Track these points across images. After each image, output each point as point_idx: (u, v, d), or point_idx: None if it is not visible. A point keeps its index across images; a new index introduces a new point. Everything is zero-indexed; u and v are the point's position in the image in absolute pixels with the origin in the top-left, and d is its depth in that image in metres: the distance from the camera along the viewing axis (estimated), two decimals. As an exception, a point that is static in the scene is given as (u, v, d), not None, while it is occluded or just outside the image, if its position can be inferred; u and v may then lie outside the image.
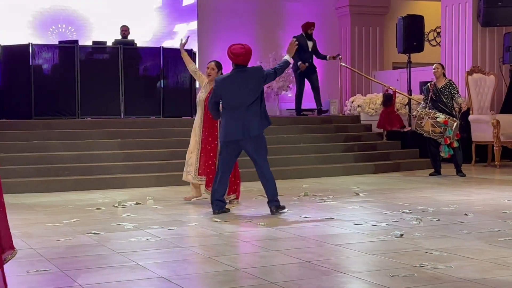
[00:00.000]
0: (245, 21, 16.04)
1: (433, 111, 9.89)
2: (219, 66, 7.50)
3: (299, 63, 12.43)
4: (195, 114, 7.74)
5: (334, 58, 13.21)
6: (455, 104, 10.01)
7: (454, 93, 9.94)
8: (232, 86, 6.66)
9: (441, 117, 9.73)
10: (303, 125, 12.03)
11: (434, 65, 10.21)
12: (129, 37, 13.06)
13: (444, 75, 10.16)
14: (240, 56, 6.71)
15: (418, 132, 10.07)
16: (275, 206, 6.73)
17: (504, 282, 3.99)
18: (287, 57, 6.93)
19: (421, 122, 9.86)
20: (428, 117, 9.79)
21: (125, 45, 11.98)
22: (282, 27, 16.44)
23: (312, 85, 12.92)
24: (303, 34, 12.74)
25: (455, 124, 9.72)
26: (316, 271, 4.36)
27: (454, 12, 12.90)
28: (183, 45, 7.71)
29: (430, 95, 10.01)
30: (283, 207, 6.79)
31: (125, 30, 13.18)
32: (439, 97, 9.93)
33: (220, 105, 6.82)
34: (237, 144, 6.71)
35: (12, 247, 3.79)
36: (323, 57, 13.11)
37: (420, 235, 5.48)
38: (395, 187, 8.97)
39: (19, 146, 9.63)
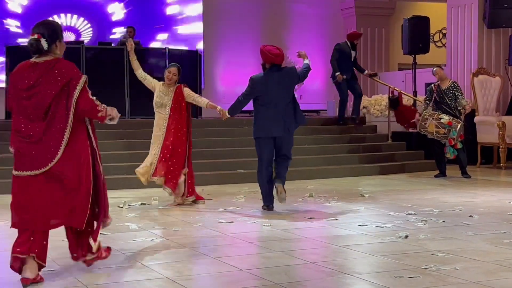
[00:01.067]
0: (250, 22, 16.05)
1: (437, 112, 9.86)
2: (180, 71, 7.54)
3: (337, 74, 11.55)
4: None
5: (371, 75, 12.52)
6: (458, 105, 9.97)
7: (458, 94, 9.89)
8: (272, 85, 6.93)
9: (445, 118, 9.70)
10: (308, 126, 11.99)
11: (434, 69, 10.08)
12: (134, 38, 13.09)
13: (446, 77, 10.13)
14: (278, 56, 7.01)
15: (422, 133, 10.03)
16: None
17: (510, 284, 3.98)
18: (307, 61, 7.23)
19: (425, 123, 9.83)
20: (432, 118, 9.76)
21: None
22: (287, 28, 16.45)
23: (356, 94, 11.99)
24: (347, 43, 11.81)
25: (459, 125, 9.68)
26: (321, 272, 4.35)
27: (459, 14, 12.88)
28: (132, 49, 7.58)
29: (433, 97, 9.98)
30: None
31: (130, 32, 13.21)
32: (443, 99, 9.90)
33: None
34: (274, 139, 7.00)
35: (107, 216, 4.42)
36: (361, 70, 12.29)
37: (425, 236, 5.47)
38: (400, 188, 8.96)
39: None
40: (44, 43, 4.06)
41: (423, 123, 9.88)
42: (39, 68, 4.07)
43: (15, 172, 4.11)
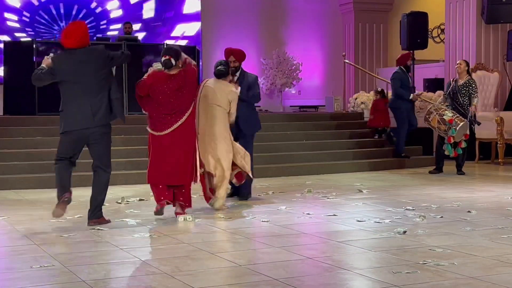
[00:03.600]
0: (249, 18, 16.03)
1: (443, 107, 9.69)
2: None
3: (412, 95, 10.81)
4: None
5: (417, 96, 11.20)
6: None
7: (471, 92, 9.71)
8: None
9: (448, 115, 9.47)
10: (306, 122, 12.02)
11: (459, 61, 10.06)
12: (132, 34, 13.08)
13: (468, 73, 9.90)
14: None
15: (427, 125, 9.96)
16: None
17: (507, 279, 3.99)
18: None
19: (429, 117, 9.70)
20: (437, 113, 9.60)
21: (128, 42, 11.98)
22: (285, 24, 16.43)
23: (412, 122, 11.11)
24: (402, 68, 10.98)
25: (461, 124, 9.39)
26: (319, 267, 4.36)
27: (458, 9, 12.87)
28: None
29: (449, 91, 9.87)
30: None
31: (128, 27, 13.18)
32: (456, 95, 9.76)
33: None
34: None
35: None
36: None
37: (423, 232, 5.47)
38: (398, 184, 8.96)
39: (23, 142, 9.64)
40: (173, 61, 6.16)
41: (427, 116, 9.74)
42: (178, 77, 6.21)
43: (153, 133, 6.35)
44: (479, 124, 10.05)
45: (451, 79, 10.04)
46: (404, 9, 15.21)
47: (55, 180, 5.95)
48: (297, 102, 16.05)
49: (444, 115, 9.49)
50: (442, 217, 6.19)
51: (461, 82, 9.79)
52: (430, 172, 10.05)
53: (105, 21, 14.78)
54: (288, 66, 15.74)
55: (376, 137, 11.86)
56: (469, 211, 6.47)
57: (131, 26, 13.32)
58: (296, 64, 15.81)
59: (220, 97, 6.83)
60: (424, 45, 12.88)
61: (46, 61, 6.09)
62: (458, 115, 9.54)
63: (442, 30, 15.74)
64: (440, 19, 15.06)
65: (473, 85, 9.78)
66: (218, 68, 6.97)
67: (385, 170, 10.65)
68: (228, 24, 15.70)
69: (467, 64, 10.00)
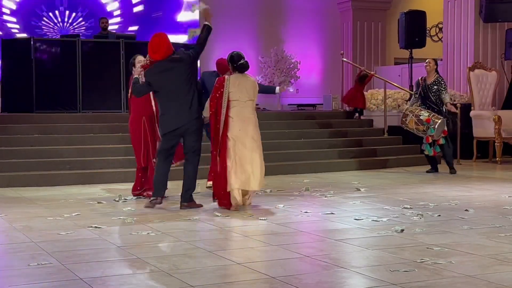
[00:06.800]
0: (247, 16, 16.03)
1: (419, 108, 9.69)
2: None
3: None
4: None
5: None
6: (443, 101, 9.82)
7: (441, 90, 9.75)
8: None
9: (424, 115, 9.51)
10: (304, 120, 12.02)
11: (427, 59, 10.07)
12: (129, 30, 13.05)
13: (437, 71, 9.91)
14: None
15: (404, 129, 9.97)
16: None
17: (504, 277, 3.99)
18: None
19: (406, 119, 9.71)
20: (413, 115, 9.62)
21: (126, 39, 11.97)
22: (283, 22, 16.43)
23: None
24: None
25: (439, 122, 9.45)
26: (317, 266, 4.36)
27: (456, 8, 12.88)
28: None
29: (419, 90, 9.90)
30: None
31: (104, 22, 13.14)
32: (427, 94, 9.80)
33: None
34: None
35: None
36: None
37: (421, 230, 5.48)
38: (396, 182, 8.97)
39: (21, 139, 9.63)
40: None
41: (403, 119, 9.77)
42: None
43: None
44: (450, 117, 10.14)
45: (419, 78, 10.01)
46: (402, 7, 15.23)
47: (154, 176, 6.75)
48: (295, 101, 16.05)
49: (420, 115, 9.53)
50: (439, 215, 6.20)
51: (430, 80, 9.81)
52: (427, 172, 10.06)
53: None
54: (286, 64, 15.74)
55: (357, 116, 12.38)
56: (466, 210, 6.48)
57: (108, 21, 13.31)
58: (294, 63, 15.81)
59: (253, 91, 6.76)
60: (422, 44, 12.90)
61: (137, 71, 6.84)
62: (433, 113, 9.59)
63: (440, 29, 15.76)
64: (438, 18, 15.08)
65: (442, 82, 9.84)
66: (241, 62, 6.69)
67: (383, 169, 10.65)
68: (226, 22, 15.69)
69: (436, 63, 10.01)
